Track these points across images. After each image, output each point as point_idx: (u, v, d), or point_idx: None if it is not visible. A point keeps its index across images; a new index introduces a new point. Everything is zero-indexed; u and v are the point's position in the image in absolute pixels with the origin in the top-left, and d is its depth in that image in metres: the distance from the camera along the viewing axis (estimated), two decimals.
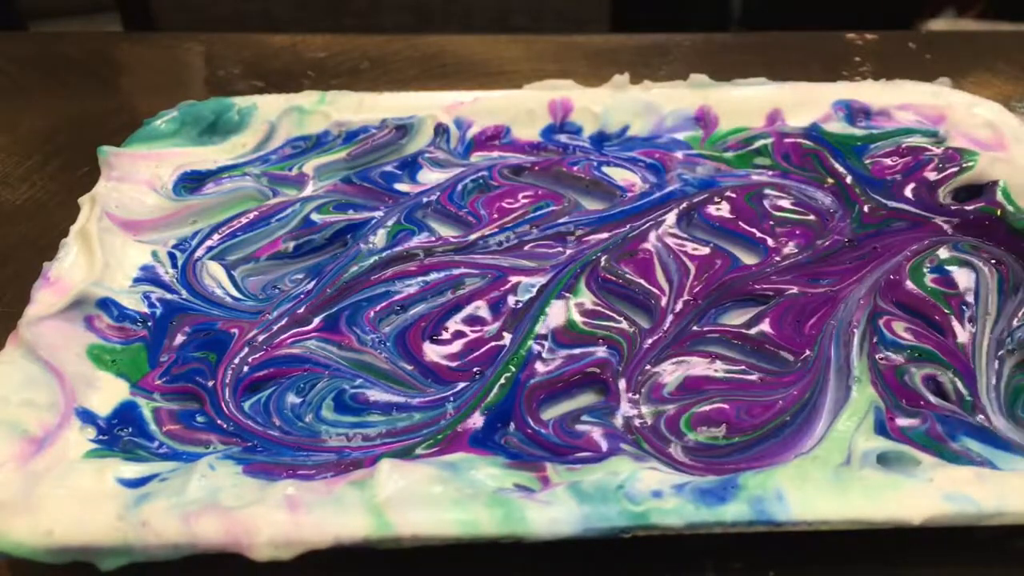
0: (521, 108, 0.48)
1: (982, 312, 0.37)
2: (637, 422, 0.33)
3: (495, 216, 0.43)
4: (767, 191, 0.44)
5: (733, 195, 0.44)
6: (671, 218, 0.42)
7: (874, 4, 0.80)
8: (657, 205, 0.43)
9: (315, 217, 0.42)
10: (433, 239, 0.41)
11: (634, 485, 0.29)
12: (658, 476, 0.30)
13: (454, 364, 0.36)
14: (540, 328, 0.36)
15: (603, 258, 0.40)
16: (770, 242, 0.41)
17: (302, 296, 0.38)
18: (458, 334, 0.37)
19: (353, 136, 0.46)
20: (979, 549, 0.31)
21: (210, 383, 0.34)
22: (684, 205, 0.43)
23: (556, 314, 0.37)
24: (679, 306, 0.38)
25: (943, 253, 0.40)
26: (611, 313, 0.37)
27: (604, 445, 0.32)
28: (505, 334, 0.37)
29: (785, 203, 0.44)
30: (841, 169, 0.45)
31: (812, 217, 0.43)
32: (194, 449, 0.32)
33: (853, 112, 0.48)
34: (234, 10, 0.88)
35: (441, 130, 0.47)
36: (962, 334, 0.36)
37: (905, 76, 0.51)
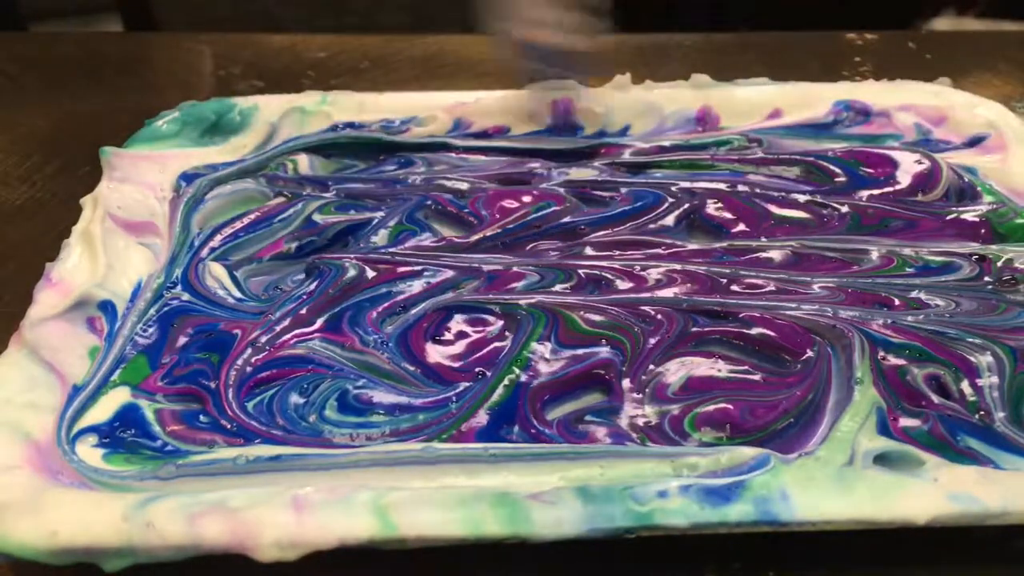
0: (523, 108, 0.48)
1: None
2: (641, 422, 0.33)
3: (496, 216, 0.43)
4: (766, 191, 0.44)
5: (732, 196, 0.44)
6: (670, 220, 0.42)
7: (874, 4, 0.80)
8: (654, 204, 0.43)
9: (317, 218, 0.42)
10: (435, 239, 0.42)
11: (639, 485, 0.29)
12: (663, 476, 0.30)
13: (457, 364, 0.36)
14: (543, 328, 0.36)
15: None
16: (770, 241, 0.41)
17: (304, 297, 0.38)
18: (460, 334, 0.37)
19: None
20: (979, 549, 0.31)
21: (213, 384, 0.34)
22: (685, 207, 0.43)
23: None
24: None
25: (940, 251, 0.40)
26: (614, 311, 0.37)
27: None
28: (507, 334, 0.37)
29: (784, 203, 0.44)
30: (838, 170, 0.45)
31: (810, 217, 0.43)
32: (198, 448, 0.32)
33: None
34: (234, 10, 0.88)
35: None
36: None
37: (905, 76, 0.51)
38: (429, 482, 0.30)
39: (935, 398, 0.34)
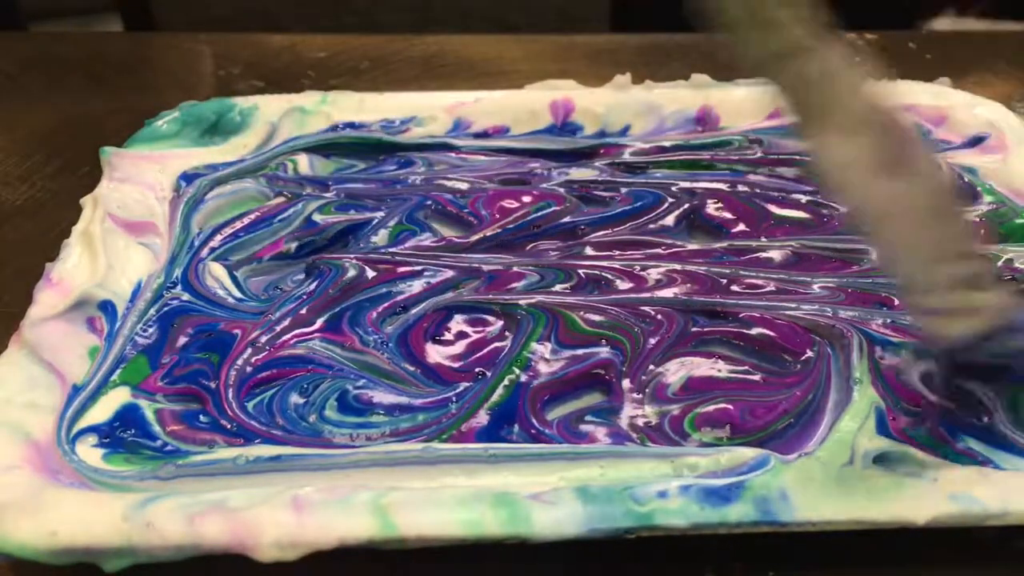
0: (523, 108, 0.48)
1: None
2: (641, 422, 0.33)
3: (496, 216, 0.43)
4: (766, 191, 0.44)
5: (732, 196, 0.44)
6: (670, 220, 0.42)
7: (874, 4, 0.80)
8: (654, 204, 0.43)
9: (317, 218, 0.42)
10: (435, 239, 0.42)
11: (639, 485, 0.29)
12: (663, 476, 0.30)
13: (457, 365, 0.36)
14: (543, 328, 0.36)
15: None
16: (770, 241, 0.41)
17: (304, 297, 0.38)
18: (460, 334, 0.37)
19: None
20: (979, 549, 0.31)
21: (213, 384, 0.34)
22: (685, 207, 0.43)
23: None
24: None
25: None
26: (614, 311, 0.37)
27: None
28: (507, 334, 0.37)
29: (784, 203, 0.44)
30: None
31: (810, 217, 0.43)
32: (198, 448, 0.32)
33: None
34: (234, 10, 0.88)
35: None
36: None
37: (905, 76, 0.51)
38: (429, 482, 0.30)
39: (935, 398, 0.33)
